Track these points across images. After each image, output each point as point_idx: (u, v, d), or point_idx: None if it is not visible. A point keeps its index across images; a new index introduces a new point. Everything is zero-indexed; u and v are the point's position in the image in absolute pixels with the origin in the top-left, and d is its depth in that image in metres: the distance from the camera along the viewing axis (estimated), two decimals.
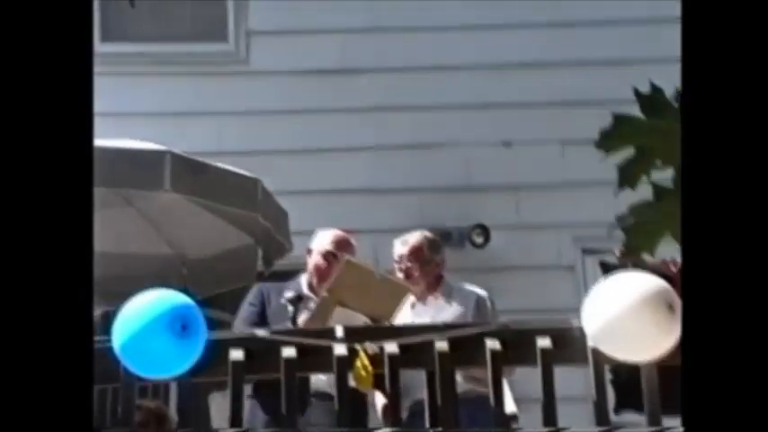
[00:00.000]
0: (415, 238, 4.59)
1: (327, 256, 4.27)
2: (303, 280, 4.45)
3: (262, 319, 4.26)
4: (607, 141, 2.63)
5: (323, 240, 4.47)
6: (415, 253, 4.50)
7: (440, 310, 4.40)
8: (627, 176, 2.60)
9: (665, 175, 2.54)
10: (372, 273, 4.03)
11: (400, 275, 4.48)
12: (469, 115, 7.52)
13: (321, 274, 4.35)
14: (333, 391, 4.04)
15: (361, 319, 3.86)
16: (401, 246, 4.56)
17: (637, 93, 2.56)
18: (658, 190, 2.58)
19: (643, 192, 2.65)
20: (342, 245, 4.38)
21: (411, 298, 4.55)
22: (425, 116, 7.52)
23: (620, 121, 2.61)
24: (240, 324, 4.26)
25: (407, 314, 4.46)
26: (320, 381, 4.03)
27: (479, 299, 4.46)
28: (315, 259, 4.41)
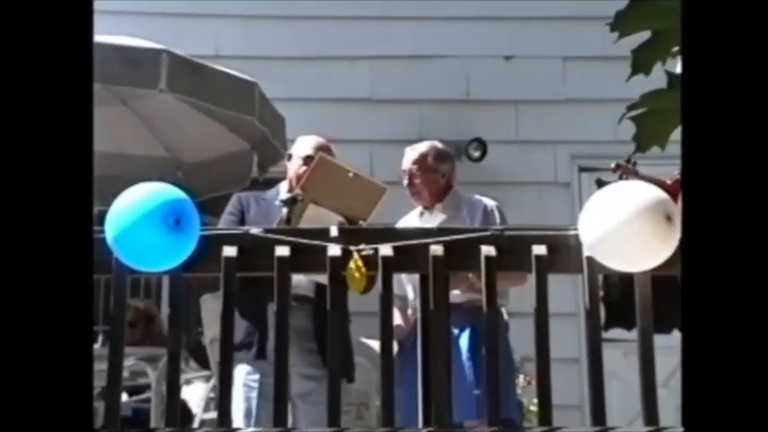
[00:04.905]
0: (422, 146, 4.58)
1: (308, 160, 4.17)
2: (283, 187, 4.38)
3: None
4: (622, 23, 2.47)
5: (303, 145, 4.40)
6: (420, 161, 4.50)
7: (446, 219, 4.37)
8: (641, 62, 2.46)
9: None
10: (347, 171, 3.89)
11: (405, 182, 4.48)
12: (471, 27, 7.42)
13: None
14: (313, 294, 4.05)
15: (334, 219, 3.78)
16: (409, 152, 4.56)
17: None
18: (672, 78, 2.44)
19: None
20: (322, 150, 4.26)
21: (419, 207, 4.52)
22: (427, 27, 7.42)
23: (638, 1, 2.45)
24: None
25: (415, 221, 4.46)
26: (301, 284, 3.99)
27: (487, 208, 4.43)
28: (295, 164, 4.33)
